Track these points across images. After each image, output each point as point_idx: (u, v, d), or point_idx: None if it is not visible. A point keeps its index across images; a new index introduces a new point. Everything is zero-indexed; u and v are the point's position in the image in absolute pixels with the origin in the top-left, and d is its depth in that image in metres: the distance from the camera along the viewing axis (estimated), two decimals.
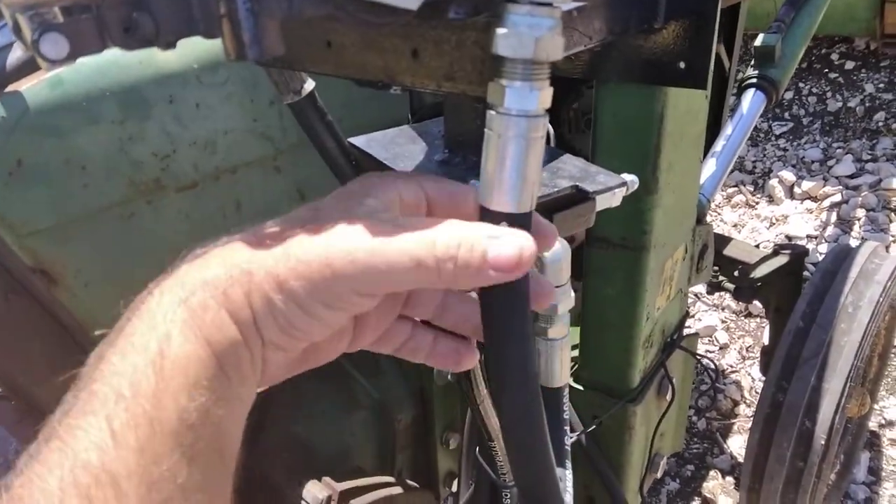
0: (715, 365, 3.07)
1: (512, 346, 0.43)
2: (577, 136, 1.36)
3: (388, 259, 0.37)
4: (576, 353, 1.23)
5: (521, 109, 0.38)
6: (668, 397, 1.24)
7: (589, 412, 1.19)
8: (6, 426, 1.10)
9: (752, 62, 1.58)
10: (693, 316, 3.43)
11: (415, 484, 1.28)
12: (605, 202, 0.69)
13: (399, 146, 0.73)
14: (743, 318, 3.33)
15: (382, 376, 1.35)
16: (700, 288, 3.11)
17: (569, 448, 0.67)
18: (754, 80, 1.53)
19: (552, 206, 0.63)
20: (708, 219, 4.02)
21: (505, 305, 0.41)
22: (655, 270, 1.08)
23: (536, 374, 0.54)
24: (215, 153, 0.92)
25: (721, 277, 2.31)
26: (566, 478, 0.64)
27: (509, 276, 0.38)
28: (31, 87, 0.77)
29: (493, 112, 0.39)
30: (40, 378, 1.03)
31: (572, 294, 0.62)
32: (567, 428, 0.68)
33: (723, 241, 2.41)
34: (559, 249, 0.59)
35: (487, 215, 0.40)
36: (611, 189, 0.64)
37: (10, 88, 0.76)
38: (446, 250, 0.37)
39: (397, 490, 1.17)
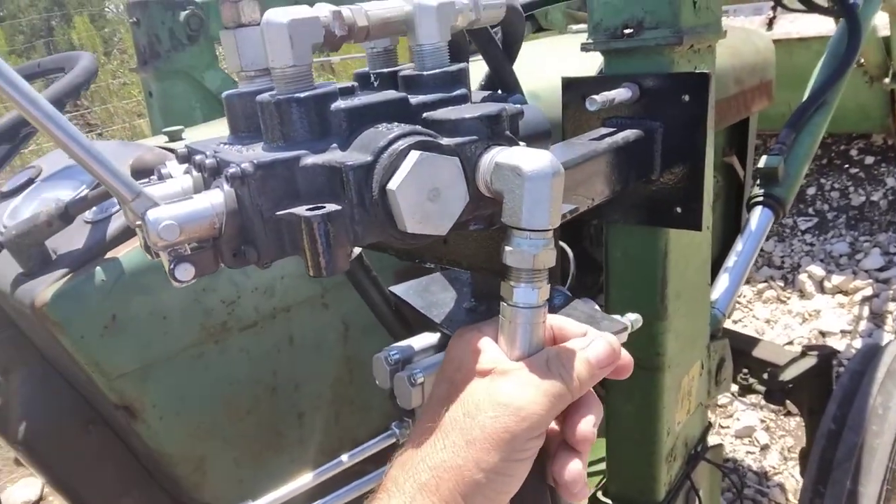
0: (753, 469, 3.01)
1: None
2: (598, 250, 1.48)
3: (544, 403, 0.50)
4: (603, 465, 1.29)
5: (525, 303, 0.50)
6: None
7: None
8: None
9: (758, 181, 1.70)
10: (731, 415, 3.40)
11: None
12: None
13: (432, 294, 0.85)
14: (783, 416, 3.29)
15: None
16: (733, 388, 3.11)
17: None
18: (761, 199, 1.65)
19: None
20: (739, 314, 4.03)
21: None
22: (672, 388, 1.16)
23: None
24: (273, 296, 1.06)
25: (751, 380, 2.34)
26: None
27: (612, 366, 0.54)
28: (126, 253, 0.92)
29: (504, 304, 0.51)
30: (111, 499, 1.13)
31: None
32: None
33: (751, 342, 2.45)
34: None
35: None
36: (615, 333, 0.74)
37: (109, 255, 0.92)
38: (575, 381, 0.52)
39: None
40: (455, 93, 0.56)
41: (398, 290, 0.89)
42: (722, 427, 3.36)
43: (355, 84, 0.58)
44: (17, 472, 3.46)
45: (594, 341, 0.54)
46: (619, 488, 1.25)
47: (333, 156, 0.49)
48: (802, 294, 3.78)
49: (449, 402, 0.53)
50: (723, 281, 1.53)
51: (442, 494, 0.50)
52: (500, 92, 0.75)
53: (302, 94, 0.49)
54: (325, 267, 0.48)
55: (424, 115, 0.53)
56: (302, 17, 0.49)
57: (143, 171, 0.80)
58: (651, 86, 0.96)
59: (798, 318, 3.66)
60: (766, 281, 4.05)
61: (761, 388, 2.31)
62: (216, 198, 0.48)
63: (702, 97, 0.92)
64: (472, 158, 0.51)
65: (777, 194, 1.64)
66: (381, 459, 0.78)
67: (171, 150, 1.08)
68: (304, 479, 0.77)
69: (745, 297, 4.09)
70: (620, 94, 0.94)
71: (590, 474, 1.33)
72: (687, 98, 0.93)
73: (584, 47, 1.02)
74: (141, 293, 0.92)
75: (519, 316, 0.51)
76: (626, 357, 0.58)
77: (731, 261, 1.56)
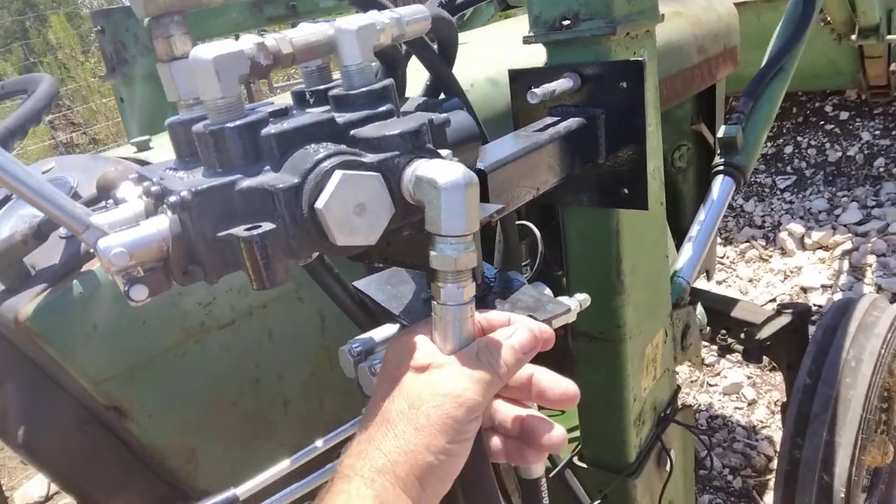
0: (742, 424, 3.11)
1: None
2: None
3: (477, 390, 0.56)
4: (577, 433, 1.36)
5: (453, 301, 0.56)
6: (668, 468, 1.35)
7: (595, 488, 1.31)
8: None
9: (718, 151, 1.75)
10: (719, 374, 3.49)
11: None
12: (561, 321, 0.85)
13: (393, 287, 0.90)
14: (768, 371, 3.38)
15: None
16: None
17: None
18: (721, 168, 1.70)
19: None
20: (723, 275, 4.09)
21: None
22: (635, 357, 1.22)
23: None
24: (248, 294, 1.12)
25: (730, 340, 2.41)
26: None
27: (536, 349, 0.61)
28: (101, 266, 0.97)
29: (435, 303, 0.57)
30: (112, 493, 1.20)
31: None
32: None
33: (729, 303, 2.52)
34: None
35: None
36: (557, 316, 0.80)
37: (85, 267, 0.97)
38: (503, 367, 0.58)
39: None
40: (381, 108, 0.60)
41: (360, 284, 0.94)
42: (710, 385, 3.45)
43: (289, 105, 0.62)
44: (31, 469, 3.55)
45: (518, 330, 0.60)
46: (592, 453, 1.32)
47: (266, 178, 0.54)
48: (784, 252, 3.84)
49: (393, 398, 0.59)
50: (686, 250, 1.58)
51: (398, 475, 0.55)
52: (436, 98, 0.79)
53: (232, 124, 0.54)
54: (266, 280, 0.53)
55: (352, 132, 0.58)
56: (226, 52, 0.53)
57: (107, 188, 0.84)
58: (591, 74, 1.00)
59: (780, 276, 3.73)
60: (747, 241, 4.11)
61: (740, 348, 2.38)
62: (161, 223, 0.53)
63: (638, 83, 0.97)
64: (395, 172, 0.56)
65: (737, 162, 1.69)
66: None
67: (139, 162, 1.13)
68: (283, 465, 0.83)
69: (728, 257, 4.16)
70: (561, 84, 0.98)
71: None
72: (625, 84, 0.98)
73: (526, 40, 1.06)
74: (118, 302, 0.97)
75: (448, 313, 0.56)
76: (548, 333, 0.64)
77: (693, 230, 1.62)
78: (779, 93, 1.84)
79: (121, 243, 0.52)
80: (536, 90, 0.94)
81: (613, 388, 1.22)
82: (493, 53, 1.62)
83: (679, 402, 1.43)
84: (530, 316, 0.80)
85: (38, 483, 3.43)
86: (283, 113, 0.61)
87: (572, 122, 0.98)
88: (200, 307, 1.06)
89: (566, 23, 1.01)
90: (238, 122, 0.55)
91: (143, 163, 1.08)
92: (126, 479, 1.21)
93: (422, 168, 0.54)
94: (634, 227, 1.15)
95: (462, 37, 2.16)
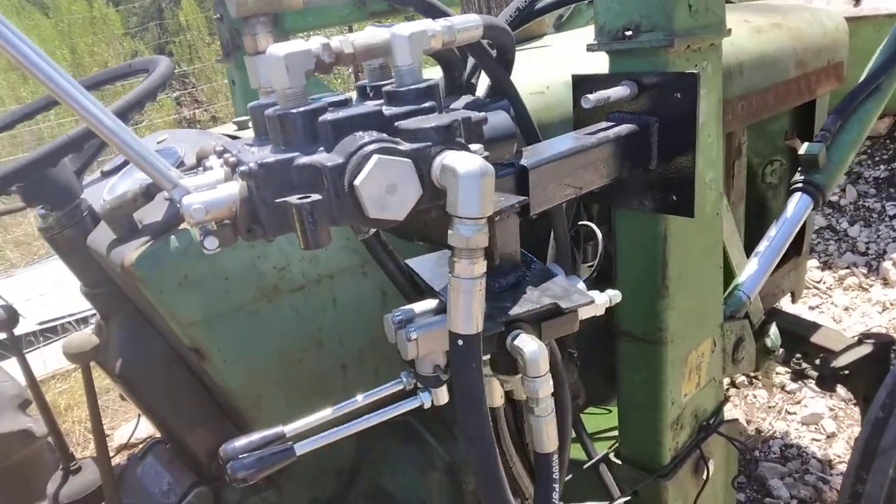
0: (817, 456, 2.98)
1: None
2: None
3: None
4: (616, 432, 1.41)
5: (465, 275, 0.64)
6: (705, 476, 1.37)
7: (628, 485, 1.35)
8: (162, 464, 1.45)
9: (800, 168, 1.72)
10: (799, 402, 3.36)
11: None
12: (588, 312, 0.91)
13: (439, 267, 0.99)
14: (853, 405, 3.21)
15: (454, 442, 1.58)
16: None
17: (556, 500, 0.88)
18: (800, 185, 1.67)
19: (539, 317, 0.86)
20: (817, 301, 3.92)
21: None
22: (677, 362, 1.25)
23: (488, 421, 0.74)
24: (318, 264, 1.24)
25: (805, 365, 2.34)
26: None
27: None
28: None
29: (450, 275, 0.65)
30: (190, 427, 1.37)
31: (551, 382, 0.84)
32: (556, 484, 0.89)
33: (811, 327, 2.45)
34: (536, 349, 0.81)
35: (450, 336, 0.66)
36: (580, 305, 0.86)
37: (182, 226, 1.13)
38: None
39: None
40: (424, 105, 0.70)
41: (412, 262, 1.05)
42: (788, 413, 3.32)
43: (349, 97, 0.73)
44: (131, 413, 3.93)
45: None
46: (628, 451, 1.36)
47: (319, 158, 0.64)
48: (886, 282, 3.63)
49: None
50: (751, 265, 1.58)
51: None
52: (485, 98, 0.88)
53: (296, 110, 0.65)
54: (311, 241, 0.64)
55: (396, 123, 0.68)
56: (296, 50, 0.64)
57: (203, 158, 0.99)
58: (648, 83, 1.05)
59: (878, 307, 3.52)
60: (848, 267, 3.90)
61: (814, 374, 2.31)
62: (233, 188, 0.65)
63: (691, 94, 1.01)
64: (427, 160, 0.65)
65: (817, 181, 1.65)
66: (390, 401, 0.95)
67: (234, 138, 1.28)
68: (326, 413, 0.94)
69: (825, 283, 3.96)
70: (617, 91, 1.04)
71: (603, 439, 1.45)
72: (679, 95, 1.02)
73: (590, 48, 1.12)
74: (207, 258, 1.12)
75: (461, 285, 0.65)
76: None
77: (762, 246, 1.61)
78: (872, 113, 1.78)
79: (199, 201, 0.64)
80: (590, 96, 1.01)
81: (652, 390, 1.26)
82: (574, 57, 1.67)
83: (725, 415, 1.44)
84: (554, 304, 0.87)
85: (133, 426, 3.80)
86: (343, 104, 0.71)
87: (623, 128, 1.03)
88: (275, 271, 1.20)
89: (628, 33, 1.06)
90: (301, 109, 0.65)
91: (236, 139, 1.23)
92: (202, 417, 1.38)
93: (448, 158, 0.63)
94: (684, 235, 1.18)
95: (550, 39, 2.22)
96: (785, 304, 3.24)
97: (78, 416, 4.11)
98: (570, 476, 1.37)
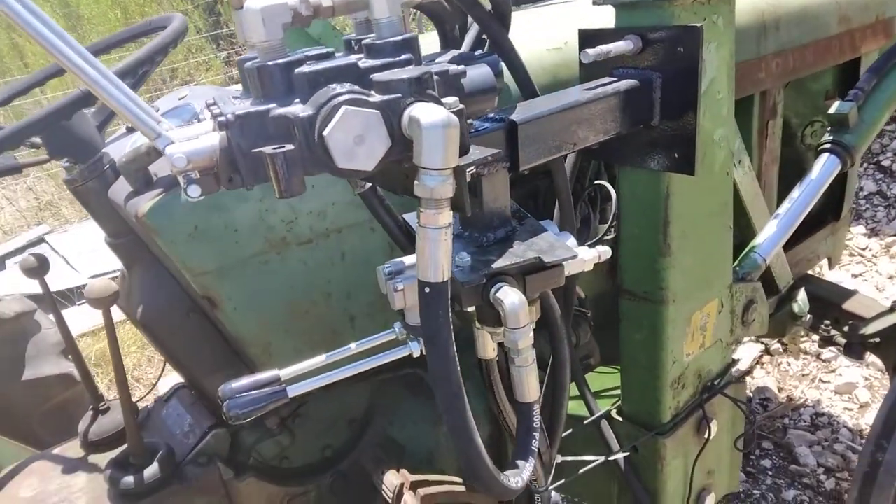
0: (848, 426, 2.94)
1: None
2: None
3: None
4: (618, 391, 1.42)
5: (430, 225, 0.66)
6: (707, 436, 1.38)
7: (628, 441, 1.37)
8: (185, 406, 1.53)
9: (829, 127, 1.66)
10: (834, 371, 3.29)
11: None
12: (576, 268, 0.92)
13: None
14: (888, 376, 3.13)
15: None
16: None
17: (535, 448, 0.90)
18: (828, 145, 1.61)
19: (524, 271, 0.88)
20: (861, 269, 3.82)
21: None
22: (678, 321, 1.25)
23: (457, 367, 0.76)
24: (326, 218, 1.28)
25: (833, 332, 2.30)
26: (526, 469, 0.88)
27: None
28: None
29: (417, 224, 0.67)
30: (208, 373, 1.44)
31: (531, 334, 0.86)
32: (536, 433, 0.91)
33: (843, 294, 2.39)
34: (516, 301, 0.83)
35: (419, 284, 0.68)
36: (563, 260, 0.87)
37: None
38: None
39: (461, 488, 1.43)
40: (401, 57, 0.71)
41: (408, 216, 1.07)
42: (822, 382, 3.26)
43: (332, 50, 0.74)
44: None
45: None
46: (629, 409, 1.38)
47: (292, 109, 0.66)
48: None
49: None
50: (770, 227, 1.55)
51: None
52: (472, 52, 0.88)
53: (272, 62, 0.67)
54: (284, 189, 0.67)
55: (371, 76, 0.69)
56: (272, 3, 0.66)
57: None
58: (652, 38, 1.03)
59: None
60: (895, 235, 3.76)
61: (842, 341, 2.27)
62: (214, 139, 0.68)
63: (694, 48, 0.99)
64: (397, 112, 0.66)
65: (846, 142, 1.60)
66: (382, 349, 0.99)
67: None
68: (320, 359, 0.98)
69: (870, 250, 3.83)
70: (618, 46, 1.02)
71: (606, 397, 1.47)
72: (682, 50, 1.00)
73: (596, 1, 1.10)
74: (217, 210, 1.16)
75: (426, 234, 0.67)
76: None
77: (782, 207, 1.57)
78: None
79: (182, 151, 0.67)
80: (589, 50, 0.99)
81: (653, 348, 1.26)
82: (595, 13, 1.63)
83: (732, 376, 1.43)
84: (538, 258, 0.88)
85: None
86: (325, 57, 0.73)
87: (623, 84, 1.02)
88: (284, 224, 1.24)
89: None
90: (277, 62, 0.67)
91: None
92: (220, 363, 1.45)
93: (415, 110, 0.64)
94: (689, 194, 1.17)
95: None
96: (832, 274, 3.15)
97: (125, 364, 4.33)
98: (570, 431, 1.40)
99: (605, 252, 0.95)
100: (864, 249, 3.86)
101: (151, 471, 1.34)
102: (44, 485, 1.45)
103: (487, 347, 1.05)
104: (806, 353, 3.40)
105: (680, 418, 1.34)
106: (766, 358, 3.47)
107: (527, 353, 0.87)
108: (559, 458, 1.30)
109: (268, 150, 0.65)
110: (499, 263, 0.86)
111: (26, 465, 1.53)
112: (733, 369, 1.46)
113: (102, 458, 1.43)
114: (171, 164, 0.67)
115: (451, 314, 1.01)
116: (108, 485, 1.35)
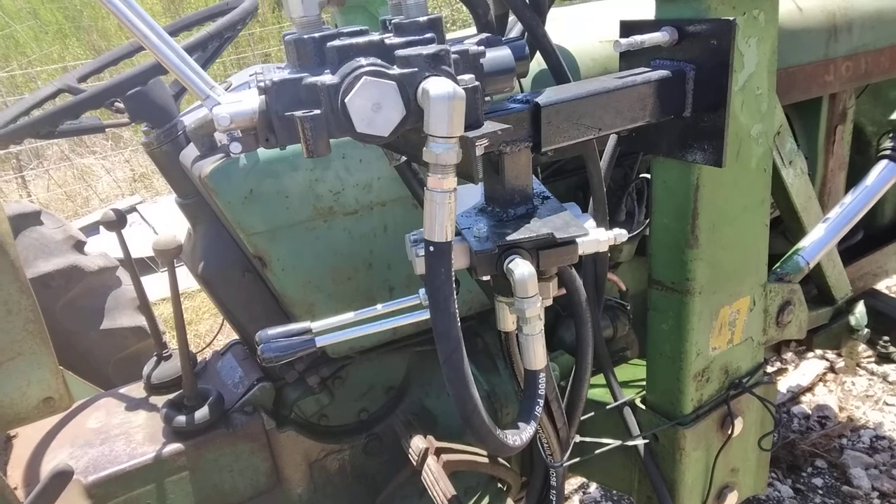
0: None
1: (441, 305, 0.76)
2: None
3: None
4: (644, 382, 1.44)
5: (436, 189, 0.72)
6: (730, 433, 1.38)
7: (649, 430, 1.39)
8: (237, 360, 1.66)
9: (891, 133, 1.61)
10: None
11: (506, 463, 1.58)
12: (591, 247, 0.97)
13: (463, 196, 1.07)
14: None
15: (496, 374, 1.68)
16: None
17: (538, 413, 0.95)
18: (888, 152, 1.57)
19: (538, 245, 0.93)
20: None
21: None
22: (705, 313, 1.26)
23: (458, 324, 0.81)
24: (371, 191, 1.36)
25: (891, 349, 2.21)
26: (527, 430, 0.93)
27: None
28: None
29: (425, 188, 0.74)
30: (259, 329, 1.55)
31: (539, 303, 0.91)
32: (541, 399, 0.96)
33: None
34: (525, 272, 0.88)
35: (426, 243, 0.75)
36: (575, 237, 0.91)
37: None
38: None
39: (483, 459, 1.49)
40: (424, 36, 0.77)
41: None
42: (887, 404, 3.12)
43: (366, 28, 0.82)
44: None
45: None
46: (653, 398, 1.40)
47: (322, 78, 0.74)
48: None
49: None
50: (817, 231, 1.52)
51: None
52: (502, 35, 0.93)
53: (307, 36, 0.75)
54: (311, 149, 0.75)
55: (396, 52, 0.76)
56: None
57: None
58: (688, 31, 1.05)
59: None
60: None
61: None
62: (254, 102, 0.77)
63: (726, 42, 1.01)
64: (413, 84, 0.73)
65: None
66: (406, 311, 1.06)
67: None
68: (349, 316, 1.07)
69: None
70: (653, 38, 1.05)
71: (631, 387, 1.49)
72: (715, 42, 1.02)
73: None
74: (270, 176, 1.27)
75: (433, 197, 0.73)
76: None
77: (833, 212, 1.54)
78: None
79: (226, 111, 0.76)
80: (622, 40, 1.03)
81: (677, 339, 1.28)
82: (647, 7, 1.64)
83: (764, 376, 1.43)
84: (550, 234, 0.93)
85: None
86: (358, 34, 0.81)
87: (654, 74, 1.05)
88: (331, 194, 1.33)
89: None
90: (312, 35, 0.75)
91: None
92: (271, 322, 1.56)
93: (427, 83, 0.71)
94: (721, 187, 1.18)
95: None
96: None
97: (197, 330, 4.61)
98: (592, 414, 1.44)
99: (620, 234, 0.98)
100: None
101: (202, 413, 1.47)
102: (108, 419, 1.61)
103: (507, 320, 1.10)
104: (872, 373, 3.25)
105: (703, 411, 1.35)
106: (830, 376, 3.34)
107: (534, 322, 0.92)
108: (578, 438, 1.34)
109: (298, 113, 0.73)
110: (513, 236, 0.91)
111: (95, 401, 1.70)
112: (769, 369, 1.45)
113: (161, 400, 1.57)
114: (217, 123, 0.76)
115: (477, 288, 1.05)
116: (164, 422, 1.49)
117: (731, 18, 0.99)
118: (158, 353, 1.67)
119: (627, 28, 1.15)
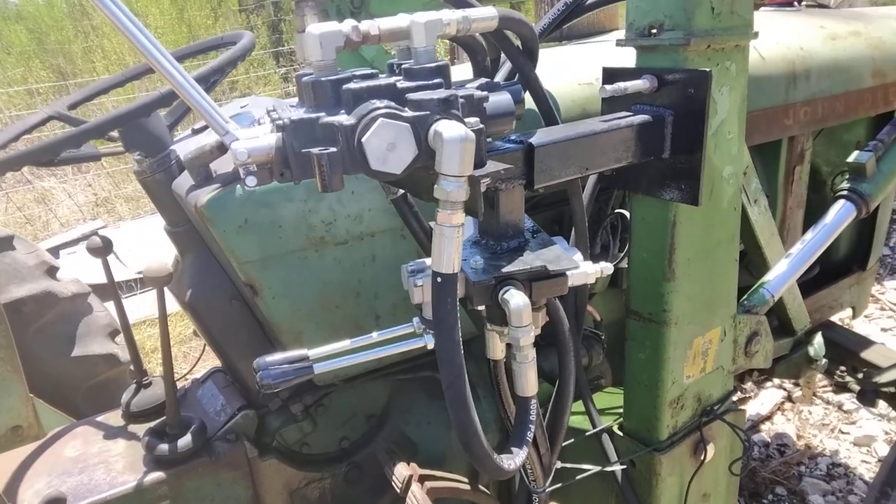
0: (864, 478, 2.91)
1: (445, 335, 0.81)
2: None
3: None
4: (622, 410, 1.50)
5: (446, 224, 0.77)
6: (703, 458, 1.44)
7: (627, 455, 1.45)
8: (219, 388, 1.66)
9: (847, 175, 1.73)
10: (855, 422, 3.27)
11: (486, 491, 1.61)
12: (579, 279, 1.02)
13: None
14: None
15: (478, 403, 1.71)
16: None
17: (530, 438, 1.00)
18: (844, 192, 1.68)
19: (531, 277, 0.98)
20: (892, 323, 3.84)
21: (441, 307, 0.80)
22: (680, 344, 1.33)
23: (461, 355, 0.86)
24: (362, 222, 1.40)
25: (848, 378, 2.33)
26: (520, 455, 0.97)
27: None
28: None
29: (434, 223, 0.79)
30: (243, 357, 1.57)
31: (532, 333, 0.96)
32: (532, 426, 1.01)
33: (862, 342, 2.42)
34: (520, 302, 0.93)
35: (434, 274, 0.80)
36: (566, 270, 0.97)
37: None
38: None
39: (466, 487, 1.52)
40: (433, 81, 0.83)
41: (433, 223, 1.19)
42: (842, 432, 3.24)
43: (376, 70, 0.87)
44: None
45: None
46: (630, 425, 1.46)
47: (338, 118, 0.79)
48: None
49: None
50: (780, 265, 1.61)
51: None
52: (499, 81, 1.00)
53: (325, 79, 0.80)
54: (327, 185, 0.79)
55: (407, 95, 0.82)
56: (329, 30, 0.79)
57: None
58: (667, 79, 1.14)
59: None
60: None
61: (856, 388, 2.29)
62: (271, 139, 0.81)
63: (702, 91, 1.09)
64: (425, 126, 0.78)
65: (862, 190, 1.66)
66: (401, 340, 1.10)
67: None
68: (345, 343, 1.10)
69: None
70: (635, 84, 1.13)
71: (611, 414, 1.55)
72: (692, 91, 1.10)
73: (619, 43, 1.21)
74: (265, 206, 1.30)
75: (442, 231, 0.78)
76: None
77: (794, 248, 1.64)
78: None
79: (244, 147, 0.80)
80: (608, 86, 1.11)
81: (654, 368, 1.34)
82: (625, 54, 1.74)
83: (733, 404, 1.50)
84: (543, 266, 0.99)
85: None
86: (369, 76, 0.86)
87: (637, 118, 1.12)
88: (323, 224, 1.37)
89: (653, 31, 1.15)
90: (329, 78, 0.80)
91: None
92: (256, 351, 1.57)
93: (440, 125, 0.76)
94: (696, 224, 1.26)
95: (617, 33, 2.27)
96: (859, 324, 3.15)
97: (161, 359, 4.52)
98: (572, 441, 1.49)
99: (607, 267, 1.05)
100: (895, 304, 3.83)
101: (185, 441, 1.47)
102: (86, 447, 1.59)
103: (497, 349, 1.15)
104: (828, 403, 3.38)
105: (677, 437, 1.41)
106: (788, 405, 3.46)
107: (527, 351, 0.97)
108: (559, 464, 1.38)
109: (315, 150, 0.78)
110: (508, 268, 0.96)
111: (71, 430, 1.68)
112: (735, 398, 1.52)
113: (140, 429, 1.56)
114: (235, 157, 0.80)
115: (466, 316, 1.10)
116: (145, 451, 1.48)
117: (708, 70, 1.07)
118: (138, 381, 1.66)
119: (610, 75, 1.23)
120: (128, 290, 4.80)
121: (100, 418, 1.71)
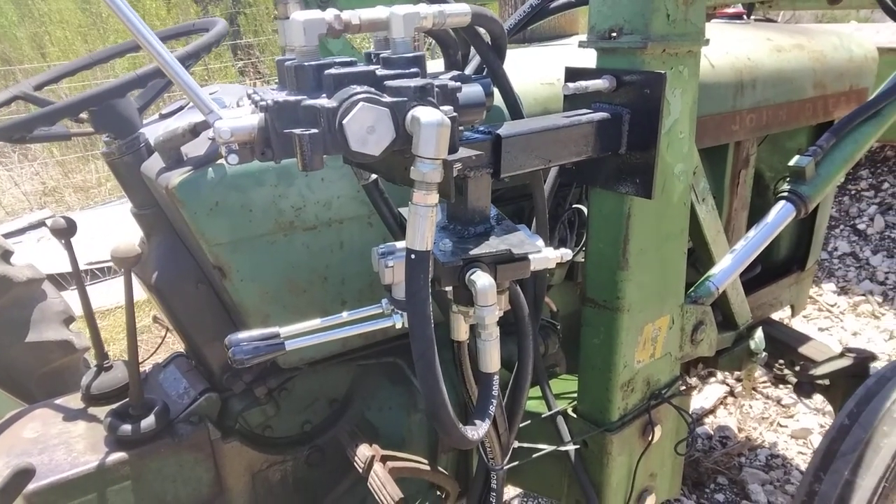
0: (801, 469, 3.07)
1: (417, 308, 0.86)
2: None
3: None
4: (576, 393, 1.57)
5: (421, 203, 0.83)
6: (650, 439, 1.53)
7: (580, 436, 1.52)
8: (181, 372, 1.67)
9: (788, 178, 1.84)
10: (792, 416, 3.45)
11: (444, 472, 1.67)
12: (541, 264, 1.09)
13: None
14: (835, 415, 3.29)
15: None
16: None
17: (492, 412, 1.06)
18: (785, 193, 1.79)
19: (497, 259, 1.04)
20: (828, 323, 4.03)
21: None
22: (632, 329, 1.41)
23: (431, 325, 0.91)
24: (330, 209, 1.44)
25: (786, 371, 2.47)
26: (482, 427, 1.03)
27: None
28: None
29: (410, 203, 0.84)
30: (208, 341, 1.58)
31: (497, 312, 1.02)
32: (494, 400, 1.07)
33: (800, 338, 2.57)
34: (486, 283, 0.99)
35: (406, 251, 0.85)
36: (529, 254, 1.03)
37: (219, 161, 1.33)
38: None
39: (426, 468, 1.57)
40: (410, 70, 0.88)
41: (403, 210, 1.24)
42: (780, 426, 3.41)
43: (356, 60, 0.91)
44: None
45: None
46: (583, 407, 1.53)
47: (320, 101, 0.83)
48: None
49: None
50: (725, 260, 1.72)
51: None
52: (469, 73, 1.05)
53: (307, 64, 0.84)
54: (307, 164, 0.83)
55: (385, 82, 0.86)
56: (312, 17, 0.83)
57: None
58: (625, 80, 1.21)
59: (885, 335, 3.57)
60: (864, 295, 3.95)
61: (793, 380, 2.43)
62: (254, 119, 0.84)
63: (657, 92, 1.17)
64: (403, 111, 0.83)
65: (802, 192, 1.78)
66: (369, 319, 1.14)
67: None
68: (315, 322, 1.14)
69: (839, 307, 4.01)
70: (595, 84, 1.20)
71: (562, 398, 1.62)
72: (647, 91, 1.18)
73: (581, 44, 1.28)
74: (236, 190, 1.33)
75: (417, 210, 0.83)
76: None
77: (739, 245, 1.74)
78: (868, 137, 1.88)
79: (228, 126, 0.83)
80: (570, 84, 1.18)
81: (607, 352, 1.42)
82: (585, 55, 1.83)
83: (679, 389, 1.59)
84: (508, 250, 1.05)
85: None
86: (349, 64, 0.90)
87: (596, 115, 1.19)
88: (293, 210, 1.40)
89: (613, 35, 1.22)
90: (312, 63, 0.85)
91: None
92: (220, 333, 1.59)
93: (417, 111, 0.81)
94: (649, 217, 1.34)
95: (578, 37, 2.35)
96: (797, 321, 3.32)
97: (113, 350, 4.43)
98: (529, 422, 1.55)
99: (566, 253, 1.11)
100: (832, 306, 4.05)
101: (147, 422, 1.48)
102: (46, 429, 1.58)
103: (461, 330, 1.20)
104: (768, 398, 3.56)
105: (627, 419, 1.49)
106: (730, 399, 3.62)
107: (492, 329, 1.03)
108: (516, 444, 1.44)
109: (297, 131, 0.82)
110: (475, 251, 1.02)
111: (28, 412, 1.66)
112: (681, 385, 1.61)
113: (101, 412, 1.56)
114: (218, 135, 0.83)
115: (431, 297, 1.16)
116: (107, 432, 1.49)
117: (663, 72, 1.15)
118: (99, 364, 1.66)
119: (572, 74, 1.30)
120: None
121: (58, 401, 1.70)
